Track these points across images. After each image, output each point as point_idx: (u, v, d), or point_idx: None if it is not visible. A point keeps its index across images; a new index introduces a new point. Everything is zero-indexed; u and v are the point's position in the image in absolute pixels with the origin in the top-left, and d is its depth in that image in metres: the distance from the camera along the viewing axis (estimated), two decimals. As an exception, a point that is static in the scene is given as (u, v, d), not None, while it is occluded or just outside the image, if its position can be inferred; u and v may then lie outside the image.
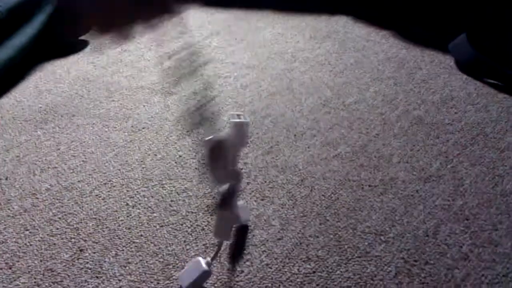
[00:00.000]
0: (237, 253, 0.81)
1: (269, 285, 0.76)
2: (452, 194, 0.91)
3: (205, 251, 0.82)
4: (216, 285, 0.76)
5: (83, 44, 1.52)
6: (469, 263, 0.78)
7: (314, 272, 0.78)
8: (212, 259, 0.75)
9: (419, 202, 0.90)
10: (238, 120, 0.69)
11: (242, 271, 0.78)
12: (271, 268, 0.79)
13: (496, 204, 0.89)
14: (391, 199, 0.91)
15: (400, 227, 0.85)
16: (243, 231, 0.85)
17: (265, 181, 0.97)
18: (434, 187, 0.93)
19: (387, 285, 0.75)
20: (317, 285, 0.76)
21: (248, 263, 0.80)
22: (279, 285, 0.76)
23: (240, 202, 0.84)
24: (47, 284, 0.77)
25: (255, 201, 0.92)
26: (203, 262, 0.73)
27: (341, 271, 0.78)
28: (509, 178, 0.94)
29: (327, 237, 0.84)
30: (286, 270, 0.78)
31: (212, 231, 0.84)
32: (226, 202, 0.71)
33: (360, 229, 0.85)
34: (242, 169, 0.99)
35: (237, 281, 0.77)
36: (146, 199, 0.93)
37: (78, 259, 0.81)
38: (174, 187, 0.95)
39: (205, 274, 0.73)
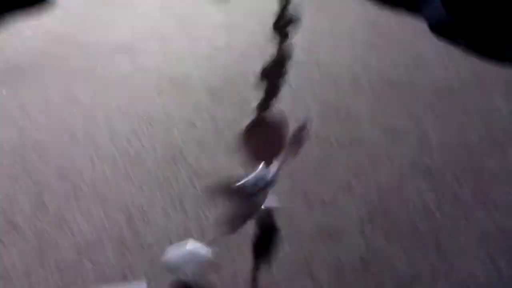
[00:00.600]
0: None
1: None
2: (418, 151, 0.92)
3: (170, 203, 0.82)
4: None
5: (50, 1, 1.46)
6: (432, 215, 0.80)
7: (278, 218, 0.78)
8: (210, 242, 0.72)
9: (385, 157, 0.91)
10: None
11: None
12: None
13: (461, 161, 0.90)
14: (358, 154, 0.92)
15: (366, 181, 0.86)
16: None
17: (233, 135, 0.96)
18: (400, 143, 0.94)
19: (350, 233, 0.76)
20: (282, 231, 0.76)
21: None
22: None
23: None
24: (10, 239, 0.76)
25: (223, 154, 0.91)
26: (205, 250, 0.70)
27: (305, 219, 0.79)
28: (474, 135, 0.96)
29: (294, 189, 0.85)
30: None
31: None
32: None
33: (327, 182, 0.86)
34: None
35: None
36: (110, 152, 0.91)
37: (41, 212, 0.80)
38: (140, 142, 0.94)
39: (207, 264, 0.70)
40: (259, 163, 0.68)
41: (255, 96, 1.04)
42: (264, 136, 0.67)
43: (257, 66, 1.11)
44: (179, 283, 0.69)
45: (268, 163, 0.68)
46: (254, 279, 0.70)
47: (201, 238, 0.76)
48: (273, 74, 1.11)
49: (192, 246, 0.70)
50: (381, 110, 1.03)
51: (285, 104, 1.04)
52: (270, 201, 0.78)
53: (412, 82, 1.12)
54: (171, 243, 0.75)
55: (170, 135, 0.95)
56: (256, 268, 0.71)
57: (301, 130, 0.69)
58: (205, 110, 1.01)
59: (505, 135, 0.95)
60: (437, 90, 1.09)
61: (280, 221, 0.78)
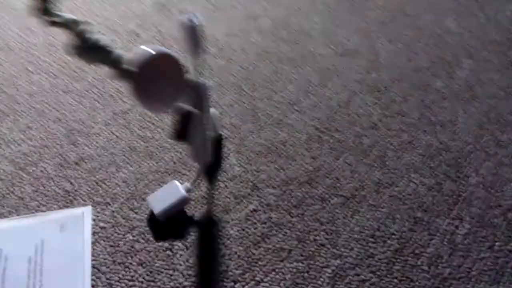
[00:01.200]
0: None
1: (181, 151, 0.75)
2: (367, 68, 0.92)
3: (113, 117, 0.78)
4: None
5: None
6: (378, 131, 0.80)
7: (226, 138, 0.77)
8: (193, 183, 0.67)
9: (335, 74, 0.90)
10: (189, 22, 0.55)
11: (153, 137, 0.76)
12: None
13: (409, 78, 0.90)
14: (308, 71, 0.90)
15: (314, 97, 0.85)
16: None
17: (181, 51, 0.92)
18: (350, 61, 0.93)
19: (298, 150, 0.76)
20: (229, 149, 0.75)
21: (159, 129, 0.77)
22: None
23: (212, 110, 0.73)
24: None
25: (169, 70, 0.88)
26: (181, 186, 0.66)
27: (253, 137, 0.78)
28: (424, 55, 0.96)
29: (242, 106, 0.83)
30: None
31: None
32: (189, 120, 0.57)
33: (275, 99, 0.84)
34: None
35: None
36: (48, 64, 0.85)
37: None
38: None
39: (184, 201, 0.66)
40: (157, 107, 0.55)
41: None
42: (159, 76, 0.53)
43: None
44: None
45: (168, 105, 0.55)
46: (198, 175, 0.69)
47: (147, 158, 0.73)
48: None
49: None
50: (331, 25, 1.01)
51: (234, 19, 1.00)
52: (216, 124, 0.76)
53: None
54: (115, 162, 0.73)
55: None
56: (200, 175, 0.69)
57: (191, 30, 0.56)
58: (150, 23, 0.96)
59: (454, 57, 0.96)
60: (387, 5, 1.07)
61: (230, 142, 0.77)
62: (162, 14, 1.00)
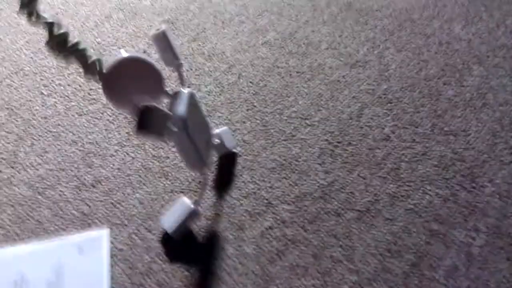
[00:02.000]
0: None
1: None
2: (377, 79, 0.92)
3: (128, 139, 0.79)
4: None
5: None
6: (390, 143, 0.80)
7: (240, 156, 0.78)
8: (200, 197, 0.68)
9: (345, 87, 0.90)
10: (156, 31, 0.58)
11: (168, 157, 0.77)
12: (196, 153, 0.78)
13: (420, 88, 0.90)
14: (317, 84, 0.91)
15: (326, 111, 0.86)
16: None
17: (191, 69, 0.93)
18: (360, 72, 0.93)
19: (311, 165, 0.76)
20: (243, 167, 0.76)
21: (173, 149, 0.78)
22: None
23: (224, 128, 0.77)
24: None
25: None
26: (188, 201, 0.67)
27: (266, 154, 0.78)
28: (433, 63, 0.95)
29: (254, 122, 0.83)
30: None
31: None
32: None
33: (287, 114, 0.85)
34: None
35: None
36: (62, 87, 0.87)
37: (-11, 149, 0.76)
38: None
39: (193, 214, 0.67)
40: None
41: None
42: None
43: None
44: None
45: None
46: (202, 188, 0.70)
47: (162, 178, 0.74)
48: None
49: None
50: (340, 37, 1.01)
51: (242, 34, 1.01)
52: (228, 141, 0.77)
53: (371, 7, 1.10)
54: (131, 183, 0.74)
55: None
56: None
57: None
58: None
59: (464, 64, 0.95)
60: (395, 14, 1.07)
61: (243, 159, 0.77)
62: (171, 32, 1.01)
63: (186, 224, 0.66)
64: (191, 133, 0.59)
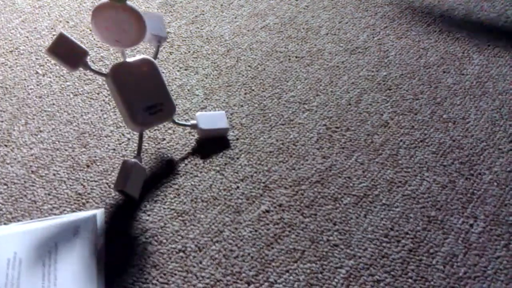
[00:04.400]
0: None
1: (192, 152, 0.75)
2: (377, 65, 0.91)
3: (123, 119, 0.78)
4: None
5: None
6: (389, 129, 0.80)
7: (237, 139, 0.77)
8: (138, 153, 0.68)
9: (344, 72, 0.89)
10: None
11: (164, 139, 0.76)
12: (193, 135, 0.77)
13: (419, 75, 0.90)
14: (317, 69, 0.90)
15: (324, 96, 0.85)
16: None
17: (189, 51, 0.92)
18: (359, 58, 0.92)
19: (309, 149, 0.76)
20: (240, 150, 0.75)
21: (170, 131, 0.77)
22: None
23: (221, 112, 0.77)
24: None
25: (178, 71, 0.87)
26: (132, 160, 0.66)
27: (264, 138, 0.77)
28: (433, 51, 0.95)
29: (252, 106, 0.82)
30: (208, 137, 0.77)
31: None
32: None
33: (285, 98, 0.84)
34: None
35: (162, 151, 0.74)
36: (57, 67, 0.85)
37: (-18, 127, 0.75)
38: (89, 55, 0.88)
39: (140, 169, 0.66)
40: None
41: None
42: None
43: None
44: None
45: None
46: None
47: (158, 159, 0.74)
48: (231, -15, 1.05)
49: None
50: (340, 22, 1.00)
51: (241, 17, 1.00)
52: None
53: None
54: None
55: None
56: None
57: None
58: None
59: (464, 53, 0.95)
60: (396, 1, 1.06)
61: (241, 142, 0.76)
62: (169, 14, 1.00)
63: (135, 178, 0.65)
64: (123, 87, 0.64)
